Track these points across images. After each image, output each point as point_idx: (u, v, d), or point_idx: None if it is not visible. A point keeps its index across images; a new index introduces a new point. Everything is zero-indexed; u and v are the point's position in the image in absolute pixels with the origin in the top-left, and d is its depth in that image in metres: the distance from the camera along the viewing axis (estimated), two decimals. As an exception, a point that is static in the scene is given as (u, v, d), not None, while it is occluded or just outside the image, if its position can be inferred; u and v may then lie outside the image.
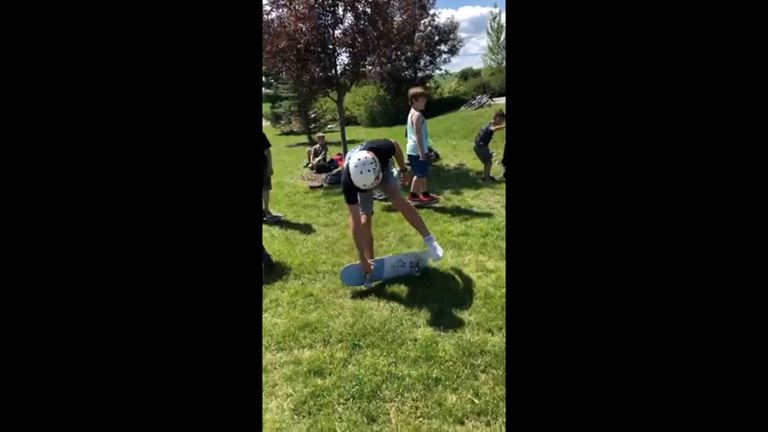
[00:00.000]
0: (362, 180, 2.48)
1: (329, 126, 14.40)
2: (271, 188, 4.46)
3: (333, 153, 8.05)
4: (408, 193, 4.40)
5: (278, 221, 4.29)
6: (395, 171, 2.86)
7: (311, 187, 5.94)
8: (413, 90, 4.32)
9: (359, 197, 2.69)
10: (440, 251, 2.65)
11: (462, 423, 1.55)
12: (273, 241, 3.67)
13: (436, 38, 16.80)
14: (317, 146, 7.58)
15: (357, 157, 2.48)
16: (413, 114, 4.19)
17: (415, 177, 4.22)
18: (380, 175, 2.53)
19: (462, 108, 15.12)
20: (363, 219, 2.74)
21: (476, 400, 1.63)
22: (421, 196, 4.47)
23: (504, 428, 1.50)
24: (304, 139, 12.59)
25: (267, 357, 2.01)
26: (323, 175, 6.51)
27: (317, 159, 7.22)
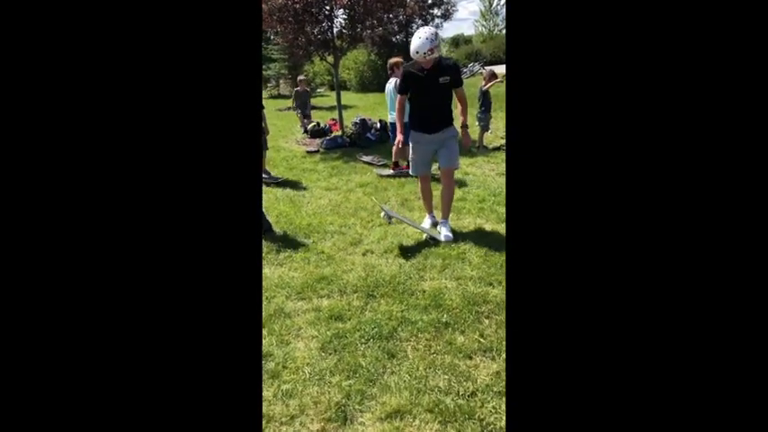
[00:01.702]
0: (416, 45, 2.60)
1: (319, 90, 14.14)
2: (267, 149, 4.54)
3: (326, 118, 8.04)
4: (391, 162, 4.53)
5: (278, 183, 4.40)
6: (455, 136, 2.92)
7: (308, 152, 5.99)
8: (392, 60, 4.47)
9: (419, 158, 2.91)
10: (451, 235, 2.88)
11: (471, 358, 1.78)
12: (278, 203, 3.79)
13: (429, 1, 16.39)
14: (299, 89, 7.57)
15: (422, 29, 2.68)
16: (391, 83, 4.36)
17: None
18: (437, 48, 2.63)
19: (454, 76, 14.99)
20: (423, 176, 3.01)
21: (482, 340, 1.87)
22: (403, 165, 4.43)
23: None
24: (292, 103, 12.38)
25: (289, 305, 2.20)
26: (318, 140, 6.55)
27: (312, 125, 7.22)
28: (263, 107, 4.21)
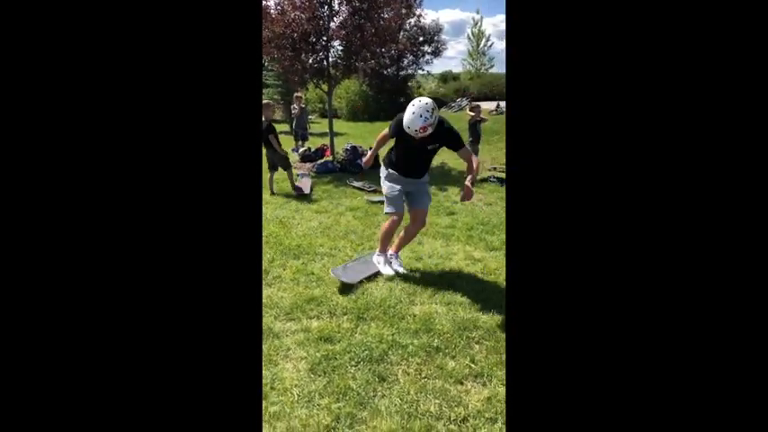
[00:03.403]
0: (408, 119, 2.32)
1: (311, 117, 14.36)
2: (289, 167, 4.99)
3: (318, 144, 8.14)
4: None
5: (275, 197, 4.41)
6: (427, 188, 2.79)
7: (298, 175, 6.02)
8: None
9: (397, 194, 2.66)
10: (401, 269, 2.77)
11: (462, 383, 1.76)
12: (268, 224, 3.77)
13: (421, 38, 17.06)
14: (295, 110, 7.64)
15: (419, 99, 2.35)
16: None
17: None
18: (432, 125, 2.32)
19: (443, 110, 15.46)
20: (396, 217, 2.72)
21: (472, 366, 1.86)
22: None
23: (498, 388, 1.73)
24: (287, 128, 12.52)
25: (278, 326, 2.16)
26: (309, 164, 6.60)
27: (303, 150, 7.29)
28: (274, 130, 4.65)
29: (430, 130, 2.34)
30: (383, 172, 2.75)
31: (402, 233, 2.85)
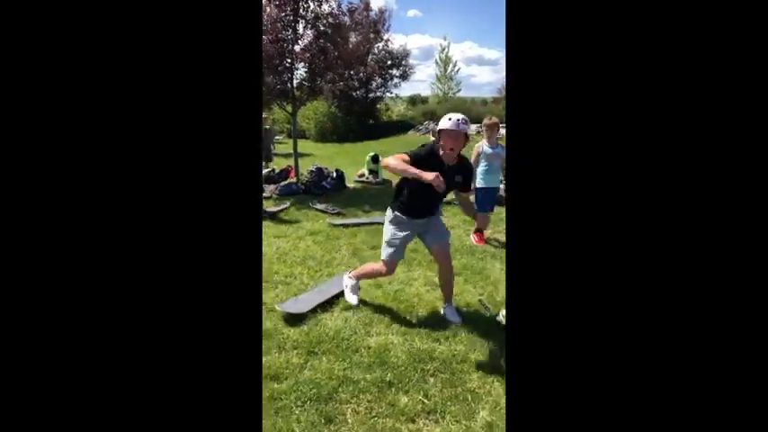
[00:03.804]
0: (447, 123, 2.16)
1: (277, 137, 14.22)
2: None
3: (282, 164, 8.01)
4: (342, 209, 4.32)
5: None
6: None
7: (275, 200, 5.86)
8: (488, 120, 3.98)
9: (401, 242, 2.40)
10: (459, 319, 2.49)
11: (414, 421, 1.67)
12: (222, 249, 3.61)
13: (389, 62, 17.45)
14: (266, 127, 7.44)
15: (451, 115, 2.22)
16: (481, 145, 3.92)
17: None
18: (467, 132, 2.20)
19: (411, 132, 15.75)
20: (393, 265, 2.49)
21: (426, 401, 1.77)
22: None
23: (451, 426, 1.65)
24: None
25: (221, 363, 2.01)
26: (272, 186, 6.46)
27: (267, 171, 7.14)
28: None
29: (462, 142, 2.21)
30: (388, 215, 2.46)
31: (442, 285, 2.55)
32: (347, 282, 2.63)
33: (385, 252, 2.44)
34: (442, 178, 2.02)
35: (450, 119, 2.20)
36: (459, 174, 2.30)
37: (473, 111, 15.08)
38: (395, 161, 2.18)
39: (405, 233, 2.41)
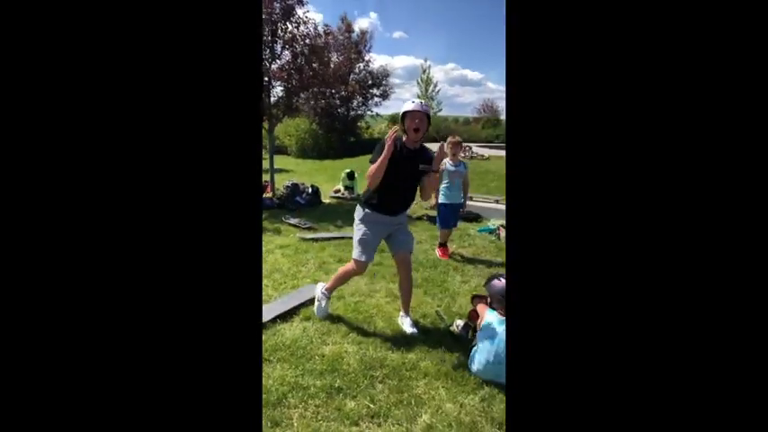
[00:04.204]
0: (408, 106, 2.36)
1: (258, 153, 14.27)
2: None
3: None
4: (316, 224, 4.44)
5: None
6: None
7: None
8: (452, 139, 4.16)
9: (372, 241, 2.48)
10: (416, 330, 2.56)
11: (357, 424, 1.75)
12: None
13: (369, 81, 17.83)
14: None
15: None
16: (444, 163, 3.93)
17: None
18: (427, 114, 2.39)
19: (390, 149, 15.98)
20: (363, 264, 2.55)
21: (371, 405, 1.85)
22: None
23: (392, 427, 1.73)
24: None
25: (175, 371, 2.05)
26: (247, 201, 6.51)
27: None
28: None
29: (426, 122, 2.37)
30: (358, 213, 2.52)
31: (402, 294, 2.62)
32: (319, 293, 2.70)
33: (356, 251, 2.50)
34: (391, 140, 2.26)
35: (413, 101, 2.41)
36: (424, 156, 2.42)
37: (451, 129, 15.42)
38: (370, 168, 2.36)
39: (374, 231, 2.48)
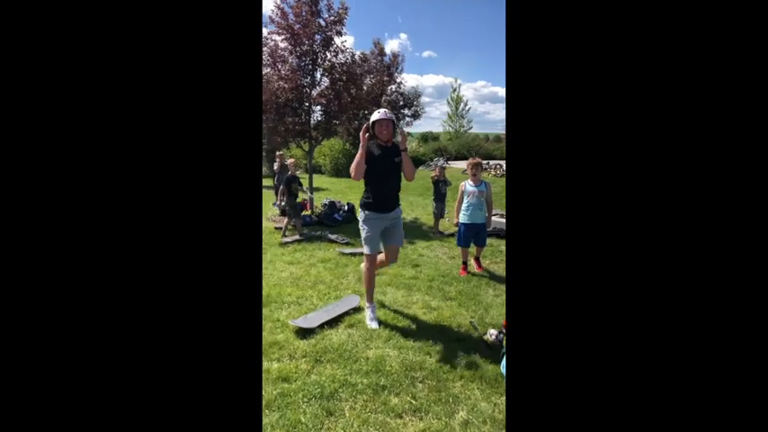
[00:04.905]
0: (374, 117, 2.89)
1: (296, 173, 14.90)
2: (296, 217, 5.96)
3: (300, 198, 8.49)
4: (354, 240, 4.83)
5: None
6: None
7: (276, 228, 6.30)
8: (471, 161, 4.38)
9: (374, 234, 2.98)
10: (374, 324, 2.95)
11: (401, 417, 1.97)
12: (242, 274, 3.99)
13: (401, 102, 18.29)
14: (277, 165, 7.27)
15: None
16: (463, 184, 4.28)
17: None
18: (392, 119, 2.90)
19: (421, 168, 16.30)
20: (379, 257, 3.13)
21: (413, 402, 2.07)
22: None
23: (432, 421, 1.94)
24: (270, 182, 12.98)
25: (240, 367, 2.34)
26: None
27: (283, 203, 7.61)
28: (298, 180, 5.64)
29: (392, 126, 2.91)
30: (360, 216, 3.05)
31: (379, 272, 3.17)
32: (367, 312, 3.06)
33: (365, 248, 3.01)
34: (363, 138, 2.86)
35: (378, 112, 2.96)
36: (396, 152, 2.96)
37: (482, 147, 15.48)
38: (353, 164, 2.90)
39: (375, 227, 3.00)
